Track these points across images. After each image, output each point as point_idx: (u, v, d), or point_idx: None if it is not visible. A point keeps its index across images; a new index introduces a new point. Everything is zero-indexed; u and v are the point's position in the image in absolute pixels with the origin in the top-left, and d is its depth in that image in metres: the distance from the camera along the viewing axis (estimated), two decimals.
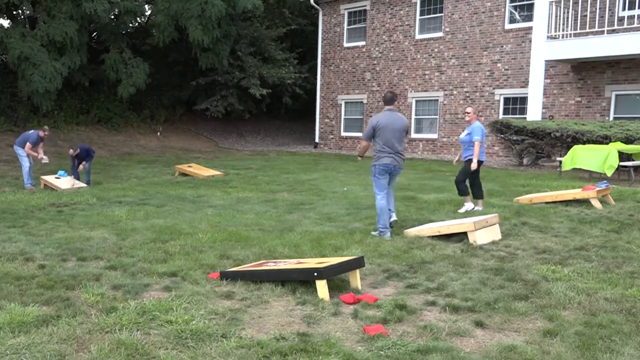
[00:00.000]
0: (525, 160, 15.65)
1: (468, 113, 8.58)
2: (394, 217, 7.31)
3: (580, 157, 11.85)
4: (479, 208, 8.65)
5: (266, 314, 4.28)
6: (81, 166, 12.26)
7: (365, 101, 21.93)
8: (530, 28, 17.11)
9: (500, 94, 18.24)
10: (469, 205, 8.61)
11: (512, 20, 17.98)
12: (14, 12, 20.38)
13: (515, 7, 17.93)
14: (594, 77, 15.92)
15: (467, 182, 8.62)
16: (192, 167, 14.29)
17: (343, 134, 22.82)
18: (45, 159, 11.85)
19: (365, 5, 21.63)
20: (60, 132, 19.94)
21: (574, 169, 12.54)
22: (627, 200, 9.33)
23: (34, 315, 4.09)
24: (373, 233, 7.14)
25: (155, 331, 3.89)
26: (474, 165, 8.38)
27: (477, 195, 8.68)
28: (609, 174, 11.31)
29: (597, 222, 7.61)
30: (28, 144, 11.56)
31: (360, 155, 7.54)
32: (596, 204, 8.71)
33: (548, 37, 15.36)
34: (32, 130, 11.87)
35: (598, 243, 6.50)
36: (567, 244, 6.48)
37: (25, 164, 11.59)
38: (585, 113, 16.09)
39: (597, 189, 8.82)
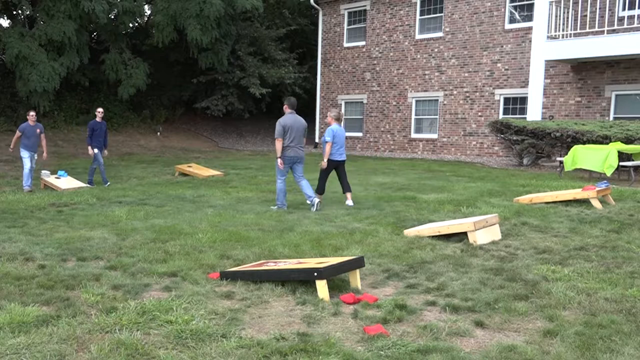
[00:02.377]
0: (525, 160, 15.65)
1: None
2: (315, 201, 8.77)
3: (581, 156, 11.85)
4: (350, 203, 9.25)
5: (266, 314, 4.28)
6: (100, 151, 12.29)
7: (365, 101, 21.93)
8: (530, 28, 17.12)
9: (500, 94, 18.24)
10: (317, 202, 8.92)
11: (512, 20, 17.98)
12: (14, 12, 20.39)
13: (515, 7, 17.93)
14: (594, 77, 15.92)
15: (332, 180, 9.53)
16: (192, 167, 14.29)
17: None
18: (26, 162, 11.55)
19: (365, 5, 21.63)
20: (60, 132, 19.94)
21: (575, 169, 12.54)
22: (627, 200, 9.33)
23: (34, 315, 4.09)
24: (272, 207, 8.95)
25: (155, 331, 3.89)
26: (323, 164, 9.19)
27: (345, 188, 9.39)
28: (609, 173, 11.31)
29: (597, 222, 7.61)
30: (17, 132, 11.48)
31: (280, 155, 8.80)
32: (596, 204, 8.71)
33: (548, 37, 15.36)
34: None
35: (598, 243, 6.50)
36: (567, 244, 6.48)
37: (27, 165, 11.51)
38: (585, 113, 16.09)
39: (597, 189, 8.82)
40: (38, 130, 11.69)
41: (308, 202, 9.01)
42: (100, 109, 12.58)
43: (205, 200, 10.01)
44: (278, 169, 8.86)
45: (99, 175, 13.39)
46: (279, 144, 8.74)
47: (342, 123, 22.87)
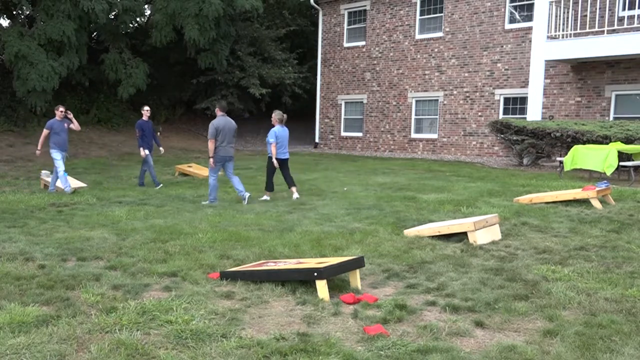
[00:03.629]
0: (525, 160, 15.65)
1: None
2: (246, 195, 9.67)
3: (581, 156, 11.86)
4: (296, 195, 10.06)
5: (266, 314, 4.28)
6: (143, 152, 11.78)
7: (365, 101, 21.93)
8: (530, 28, 17.11)
9: (500, 94, 18.24)
10: (265, 197, 10.05)
11: (512, 20, 17.98)
12: (14, 12, 20.38)
13: (515, 7, 17.93)
14: (594, 77, 15.92)
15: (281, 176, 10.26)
16: (192, 167, 14.29)
17: (343, 134, 22.83)
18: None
19: (365, 5, 21.63)
20: None
21: (575, 169, 12.54)
22: (627, 200, 9.33)
23: (34, 315, 4.09)
24: (203, 203, 9.61)
25: (155, 331, 3.89)
26: (275, 163, 9.92)
27: (289, 184, 10.13)
28: (609, 173, 11.31)
29: (597, 222, 7.61)
30: (44, 130, 10.75)
31: (212, 155, 9.54)
32: (596, 204, 8.71)
33: (548, 37, 15.36)
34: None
35: (598, 243, 6.50)
36: (567, 244, 6.48)
37: (60, 167, 10.74)
38: (585, 113, 16.09)
39: (597, 189, 8.82)
40: (66, 125, 10.97)
41: (240, 195, 9.78)
42: (146, 107, 12.03)
43: (206, 200, 10.01)
44: (212, 169, 9.61)
45: (98, 176, 13.36)
46: (211, 145, 9.51)
47: (342, 123, 22.96)
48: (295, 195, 10.07)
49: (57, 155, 10.81)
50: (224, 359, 3.47)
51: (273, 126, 10.16)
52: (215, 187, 9.66)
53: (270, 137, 9.94)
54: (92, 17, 18.38)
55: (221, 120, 9.56)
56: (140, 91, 21.02)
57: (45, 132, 10.82)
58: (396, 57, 20.81)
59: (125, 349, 3.55)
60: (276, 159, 9.94)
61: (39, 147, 10.97)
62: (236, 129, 9.72)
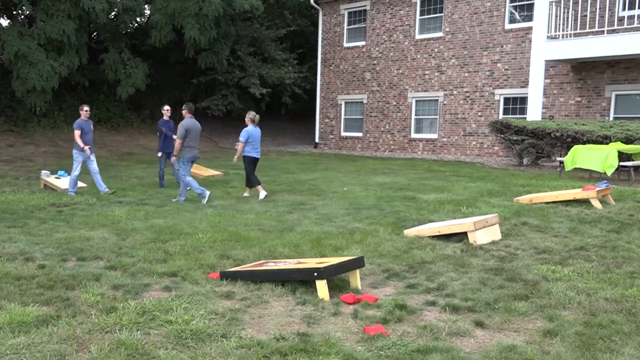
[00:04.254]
0: (525, 160, 15.65)
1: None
2: (180, 199, 9.95)
3: (581, 156, 11.86)
4: (247, 194, 10.56)
5: (266, 314, 4.28)
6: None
7: (365, 101, 21.93)
8: (530, 28, 17.12)
9: (500, 94, 18.24)
10: (262, 194, 10.20)
11: (512, 20, 17.98)
12: (14, 12, 20.38)
13: (515, 7, 17.93)
14: (594, 77, 15.92)
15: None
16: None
17: (343, 134, 22.83)
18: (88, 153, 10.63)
19: (365, 5, 21.63)
20: (60, 132, 19.93)
21: (575, 169, 12.54)
22: (627, 200, 9.33)
23: (34, 315, 4.09)
24: (203, 203, 9.63)
25: (155, 331, 3.89)
26: (234, 160, 10.56)
27: (250, 184, 10.41)
28: (609, 173, 11.31)
29: (597, 222, 7.61)
30: (76, 131, 10.52)
31: (176, 154, 9.90)
32: (596, 204, 8.71)
33: (548, 37, 15.37)
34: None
35: (598, 243, 6.50)
36: (567, 244, 6.48)
37: (76, 170, 10.60)
38: (585, 113, 16.09)
39: (597, 189, 8.82)
40: (91, 125, 10.81)
41: (175, 200, 10.06)
42: (166, 107, 11.76)
43: (205, 200, 10.00)
44: (184, 168, 9.86)
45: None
46: (179, 144, 9.75)
47: (342, 123, 22.97)
48: (246, 194, 10.57)
49: (78, 157, 10.63)
50: (224, 359, 3.47)
51: (246, 126, 10.41)
52: (192, 181, 9.81)
53: (242, 136, 10.27)
54: (92, 16, 18.38)
55: (189, 122, 9.82)
56: (140, 91, 21.02)
57: (77, 132, 10.57)
58: (396, 57, 20.82)
59: (125, 349, 3.55)
60: (251, 157, 10.26)
61: (82, 146, 10.59)
62: (201, 130, 10.07)
